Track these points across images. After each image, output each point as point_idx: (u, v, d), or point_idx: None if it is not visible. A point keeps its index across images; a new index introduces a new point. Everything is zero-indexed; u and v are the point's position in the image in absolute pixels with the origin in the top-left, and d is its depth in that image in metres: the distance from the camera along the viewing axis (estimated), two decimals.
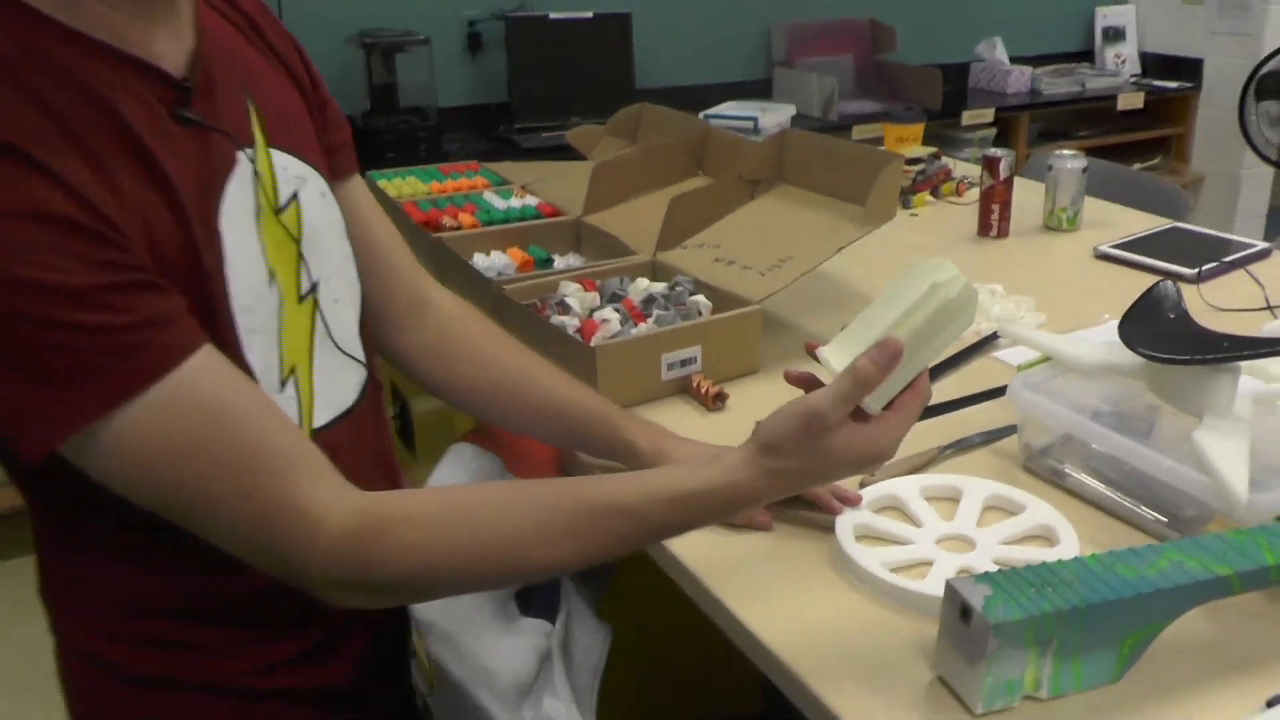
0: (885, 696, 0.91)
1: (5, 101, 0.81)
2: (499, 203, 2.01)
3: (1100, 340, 1.26)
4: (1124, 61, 4.87)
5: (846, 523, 1.12)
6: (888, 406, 0.89)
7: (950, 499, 1.19)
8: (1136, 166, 4.70)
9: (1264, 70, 4.28)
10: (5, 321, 0.78)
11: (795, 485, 0.91)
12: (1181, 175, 4.77)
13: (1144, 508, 1.15)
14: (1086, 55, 4.91)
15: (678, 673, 1.85)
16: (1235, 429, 1.10)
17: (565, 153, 2.73)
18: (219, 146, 0.95)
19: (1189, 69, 4.74)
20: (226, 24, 1.04)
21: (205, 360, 0.86)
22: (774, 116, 3.33)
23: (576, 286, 1.60)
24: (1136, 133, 4.70)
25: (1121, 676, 0.92)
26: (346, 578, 0.89)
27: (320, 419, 1.04)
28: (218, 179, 0.94)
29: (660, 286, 1.60)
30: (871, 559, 1.06)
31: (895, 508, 1.18)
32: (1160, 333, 1.19)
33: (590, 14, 3.72)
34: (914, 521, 1.15)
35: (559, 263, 1.81)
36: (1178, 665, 0.95)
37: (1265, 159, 4.38)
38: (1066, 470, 1.23)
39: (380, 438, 1.15)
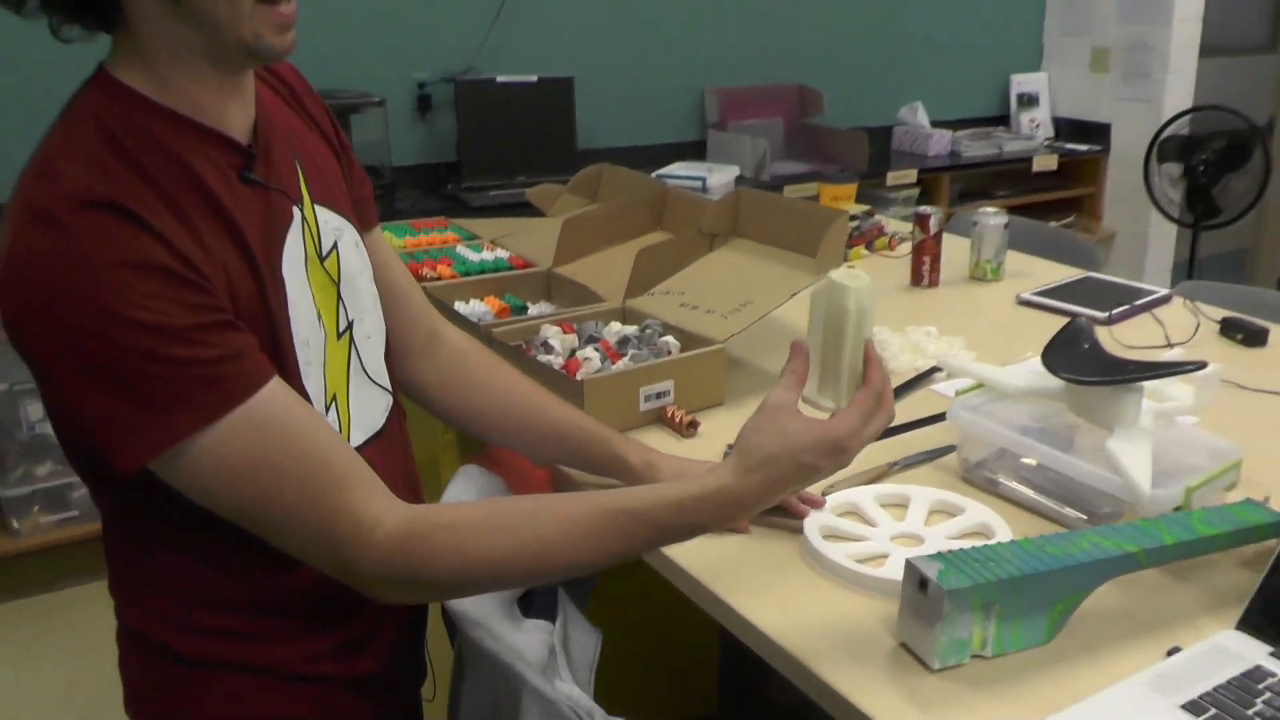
0: (859, 662, 1.08)
1: (115, 170, 0.97)
2: (472, 256, 2.17)
3: (1025, 370, 1.45)
4: (1038, 126, 5.11)
5: (813, 525, 1.29)
6: None
7: (900, 504, 1.37)
8: (1052, 224, 4.94)
9: (1164, 135, 4.57)
10: (115, 354, 0.93)
11: (777, 480, 1.04)
12: (1094, 232, 5.00)
13: (1067, 508, 1.34)
14: (1003, 120, 5.15)
15: (640, 675, 2.00)
16: (1140, 438, 1.29)
17: (512, 210, 2.89)
18: (278, 203, 1.11)
19: (1098, 133, 5.00)
20: (274, 95, 1.20)
21: (275, 389, 1.01)
22: (720, 176, 3.54)
23: (556, 329, 1.76)
24: (1051, 192, 4.93)
25: (1052, 638, 1.10)
26: (396, 577, 1.03)
27: (355, 440, 1.19)
28: (278, 232, 1.10)
29: (632, 329, 1.77)
30: (837, 552, 1.23)
31: (854, 512, 1.36)
32: (1077, 360, 1.38)
33: (535, 78, 3.88)
34: (870, 523, 1.33)
35: (533, 310, 1.98)
36: (1097, 628, 1.13)
37: (1168, 216, 4.65)
38: (1000, 480, 1.41)
39: (405, 457, 1.30)
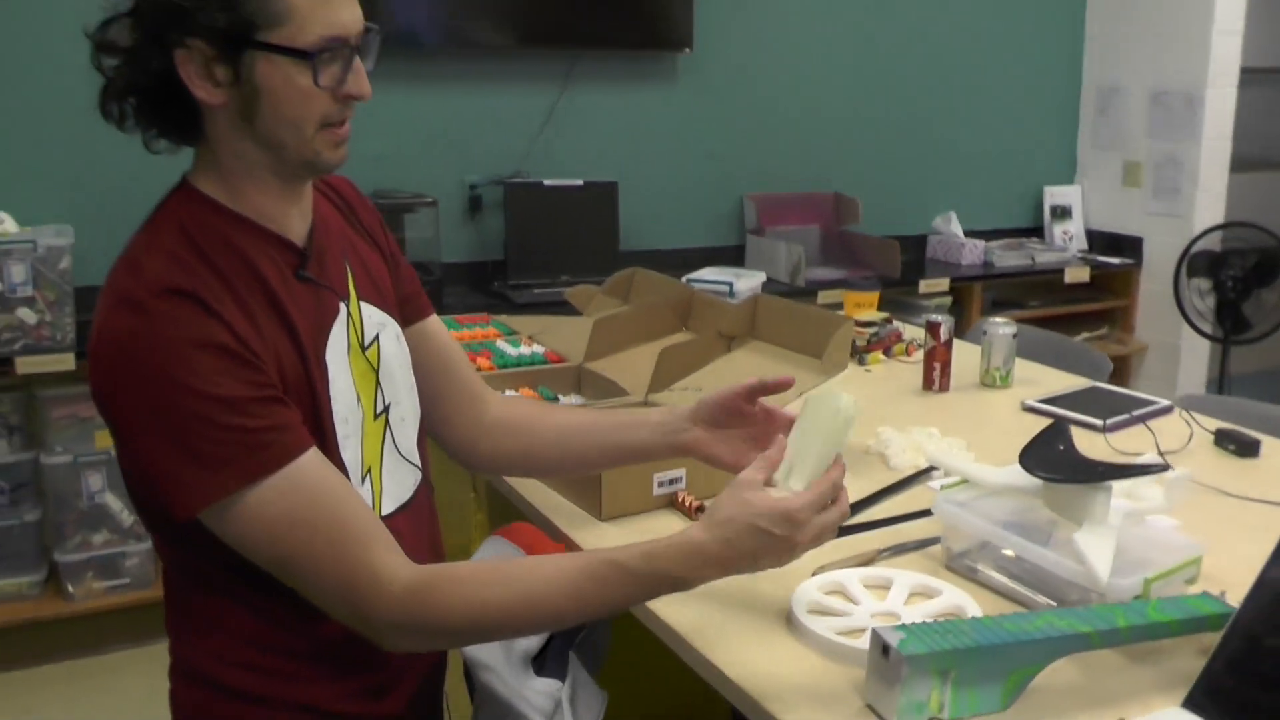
0: (826, 717, 1.20)
1: (190, 265, 1.15)
2: (510, 350, 2.33)
3: (1008, 469, 1.58)
4: (1071, 238, 5.17)
5: (801, 599, 1.41)
6: None
7: (883, 586, 1.49)
8: (1084, 336, 5.02)
9: (1194, 249, 4.68)
10: (179, 418, 1.10)
11: (734, 538, 1.16)
12: (1126, 345, 5.05)
13: (1038, 595, 1.46)
14: (1037, 231, 5.23)
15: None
16: (1106, 533, 1.41)
17: (554, 307, 3.06)
18: (327, 299, 1.28)
19: (1131, 246, 5.05)
20: (331, 206, 1.38)
21: (312, 458, 1.17)
22: (748, 282, 3.71)
23: None
24: (1084, 304, 5.00)
25: (1008, 706, 1.22)
26: (407, 624, 1.18)
27: (386, 509, 1.34)
28: (326, 324, 1.27)
29: None
30: (819, 625, 1.36)
31: (839, 591, 1.48)
32: (1052, 460, 1.51)
33: (581, 182, 4.08)
34: (853, 600, 1.45)
35: (563, 401, 2.13)
36: (1052, 700, 1.25)
37: (1198, 331, 4.74)
38: (979, 568, 1.53)
39: (432, 526, 1.45)
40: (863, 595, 1.46)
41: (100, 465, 3.28)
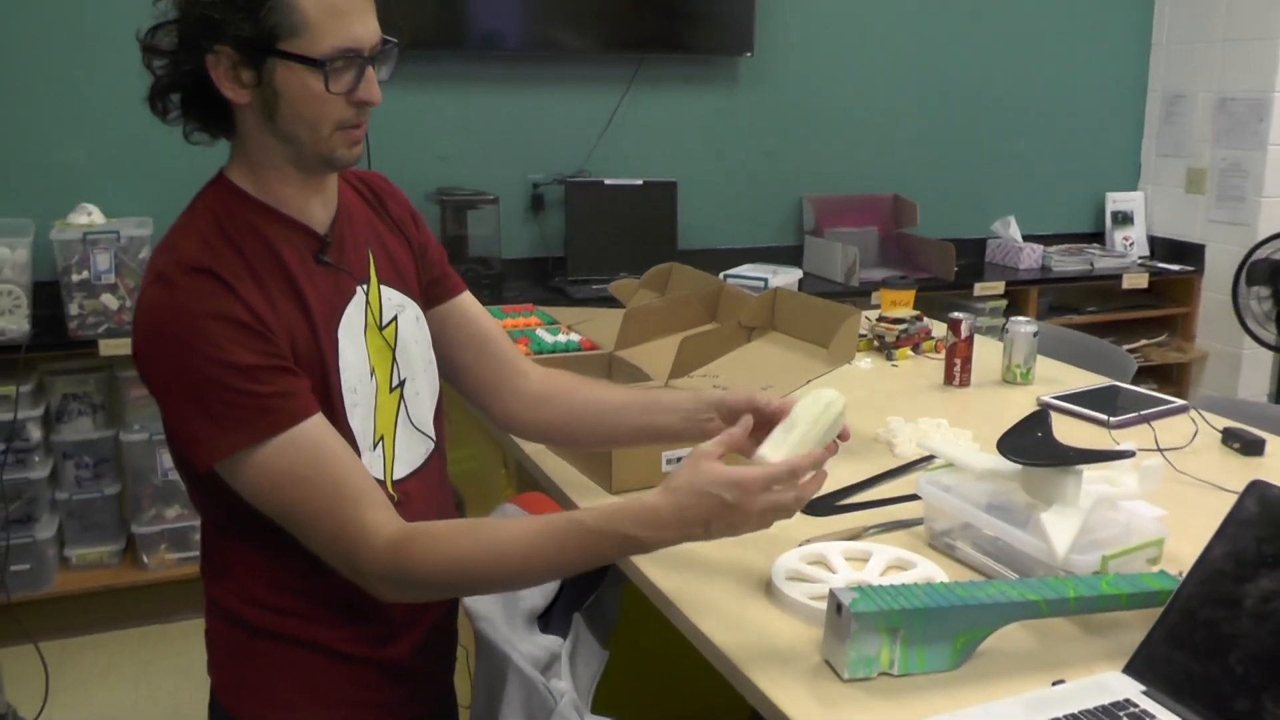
0: (785, 671, 1.32)
1: (216, 246, 1.32)
2: (548, 337, 2.46)
3: (989, 455, 1.68)
4: (1132, 244, 5.20)
5: (781, 567, 1.53)
6: None
7: (862, 559, 1.60)
8: (1142, 343, 5.05)
9: (1254, 258, 4.68)
10: (197, 380, 1.26)
11: (687, 504, 1.26)
12: (1186, 353, 5.06)
13: (1009, 571, 1.55)
14: (1098, 236, 5.27)
15: (672, 693, 2.22)
16: (1073, 514, 1.51)
17: (610, 303, 3.19)
18: (344, 282, 1.43)
19: (1192, 253, 5.07)
20: (359, 198, 1.53)
21: (316, 423, 1.32)
22: (784, 278, 3.81)
23: None
24: (1142, 310, 5.00)
25: (958, 666, 1.32)
26: (389, 575, 1.31)
27: (398, 473, 1.49)
28: (340, 304, 1.42)
29: None
30: (795, 590, 1.47)
31: (821, 562, 1.59)
32: (1027, 446, 1.60)
33: (640, 181, 4.21)
34: (831, 570, 1.56)
35: None
36: (1001, 662, 1.35)
37: (1259, 341, 4.73)
38: (958, 545, 1.63)
39: (442, 491, 1.59)
40: (842, 566, 1.57)
41: None
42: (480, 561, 1.31)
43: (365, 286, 1.45)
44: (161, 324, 1.27)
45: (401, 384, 1.49)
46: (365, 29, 1.32)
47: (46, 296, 3.46)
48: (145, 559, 3.52)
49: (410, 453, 1.50)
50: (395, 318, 1.49)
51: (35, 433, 3.38)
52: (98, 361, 3.43)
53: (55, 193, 3.57)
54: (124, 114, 3.58)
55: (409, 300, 1.53)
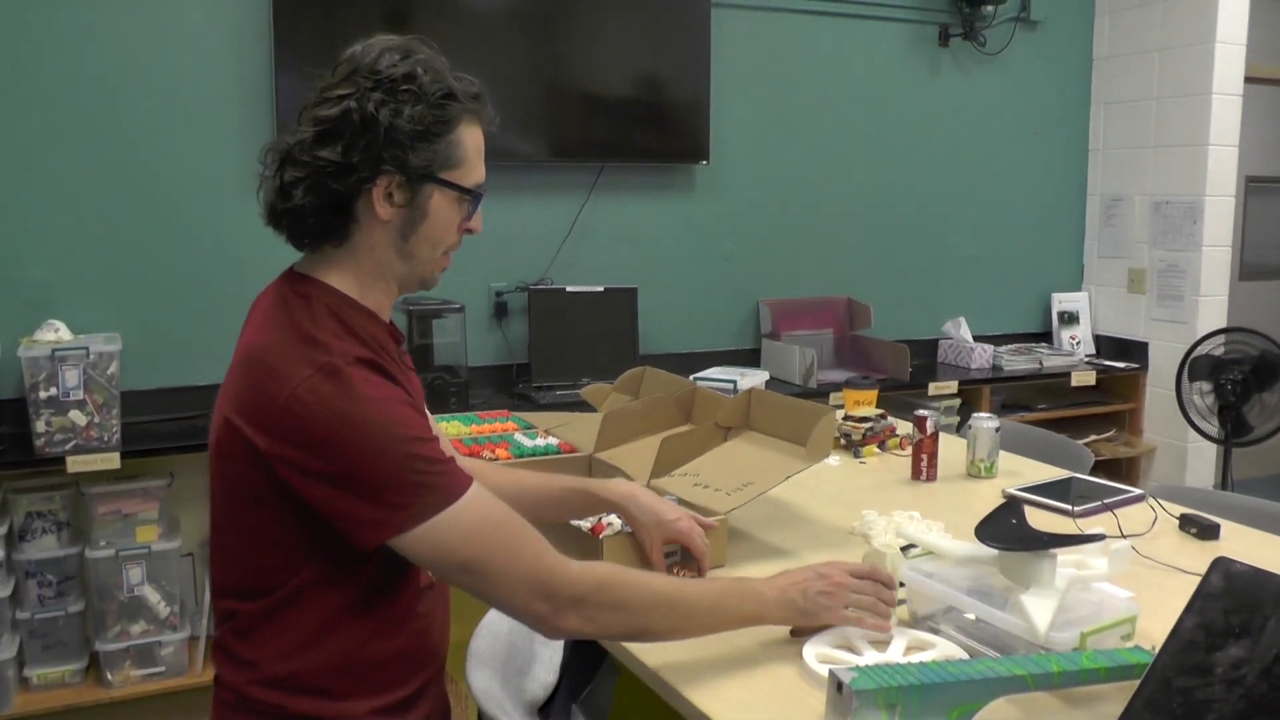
0: None
1: (356, 341, 1.41)
2: (527, 441, 2.52)
3: (967, 542, 1.75)
4: (1078, 342, 5.35)
5: (811, 651, 1.60)
6: None
7: (884, 641, 1.66)
8: (1091, 438, 5.15)
9: (1195, 354, 4.83)
10: (395, 456, 1.35)
11: (790, 583, 1.53)
12: (1135, 446, 5.18)
13: (990, 649, 1.61)
14: (1045, 336, 5.41)
15: None
16: (1050, 594, 1.57)
17: (575, 407, 3.24)
18: (414, 376, 1.57)
19: (1137, 350, 5.21)
20: None
21: (479, 485, 1.42)
22: (751, 380, 3.90)
23: None
24: (1091, 407, 5.14)
25: None
26: (587, 597, 1.44)
27: None
28: (420, 392, 1.56)
29: None
30: (822, 669, 1.52)
31: (847, 647, 1.65)
32: (1004, 532, 1.68)
33: (602, 287, 4.27)
34: (857, 653, 1.63)
35: None
36: None
37: (1200, 433, 4.86)
38: (941, 628, 1.69)
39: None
40: (866, 649, 1.63)
41: (140, 558, 3.47)
42: (668, 595, 1.49)
43: None
44: (346, 411, 1.33)
45: None
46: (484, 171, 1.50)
47: (12, 414, 3.47)
48: (110, 676, 3.48)
49: None
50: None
51: None
52: (65, 479, 3.43)
53: (21, 310, 3.58)
54: (90, 233, 3.62)
55: None
